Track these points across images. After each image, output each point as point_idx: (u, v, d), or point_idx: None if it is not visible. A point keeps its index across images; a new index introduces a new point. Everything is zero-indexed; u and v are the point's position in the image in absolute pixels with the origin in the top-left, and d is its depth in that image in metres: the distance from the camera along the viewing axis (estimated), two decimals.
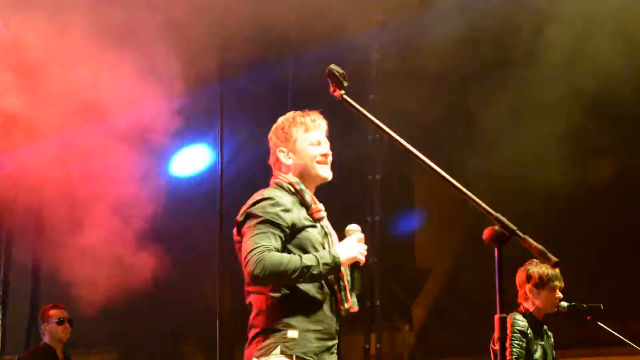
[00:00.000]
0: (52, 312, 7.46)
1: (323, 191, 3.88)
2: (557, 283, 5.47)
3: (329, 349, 3.65)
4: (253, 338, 3.59)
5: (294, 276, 3.37)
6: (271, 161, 3.89)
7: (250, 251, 3.37)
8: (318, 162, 3.73)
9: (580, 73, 8.11)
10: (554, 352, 5.79)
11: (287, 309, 3.55)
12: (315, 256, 3.43)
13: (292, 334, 3.54)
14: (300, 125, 3.79)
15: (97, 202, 8.07)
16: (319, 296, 3.61)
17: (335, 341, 3.72)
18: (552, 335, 5.81)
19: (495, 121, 8.38)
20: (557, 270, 5.28)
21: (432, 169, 2.75)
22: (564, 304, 5.55)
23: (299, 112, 3.86)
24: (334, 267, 3.50)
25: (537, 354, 5.44)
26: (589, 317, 5.69)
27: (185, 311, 9.58)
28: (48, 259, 9.71)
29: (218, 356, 9.53)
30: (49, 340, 7.39)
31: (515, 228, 2.43)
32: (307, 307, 3.60)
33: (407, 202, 9.94)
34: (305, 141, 3.76)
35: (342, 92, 3.13)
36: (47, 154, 7.93)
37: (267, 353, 3.52)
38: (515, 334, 5.42)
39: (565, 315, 5.64)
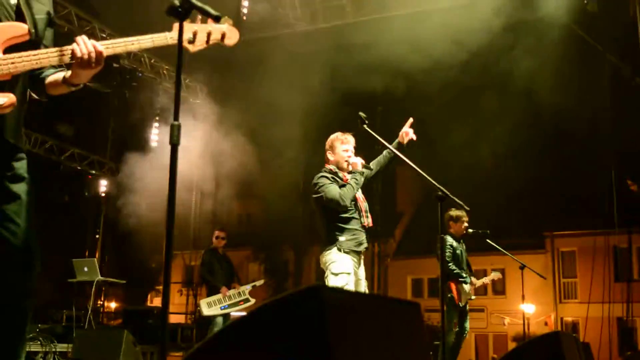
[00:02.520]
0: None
1: None
2: (464, 219, 8.81)
3: (358, 251, 5.63)
4: (324, 242, 5.64)
5: (352, 190, 5.51)
6: (325, 159, 5.99)
7: (322, 189, 5.55)
8: (346, 160, 5.81)
9: None
10: (466, 253, 9.00)
11: (338, 226, 5.57)
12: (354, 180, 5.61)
13: (341, 239, 5.56)
14: (338, 140, 5.93)
15: None
16: (353, 217, 5.63)
17: (365, 245, 5.73)
18: (464, 245, 9.05)
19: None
20: (464, 212, 8.61)
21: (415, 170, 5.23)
22: (470, 230, 8.92)
23: (339, 133, 5.92)
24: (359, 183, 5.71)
25: (459, 253, 8.76)
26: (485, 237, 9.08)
27: None
28: None
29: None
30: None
31: (448, 193, 4.99)
32: (348, 224, 5.60)
33: None
34: (340, 149, 5.89)
35: (365, 126, 5.39)
36: None
37: (330, 249, 5.55)
38: (448, 245, 8.61)
39: (470, 235, 8.98)
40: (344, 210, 5.59)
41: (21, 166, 2.91)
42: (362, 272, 5.72)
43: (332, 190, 5.50)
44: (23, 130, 2.99)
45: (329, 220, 5.63)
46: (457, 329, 8.65)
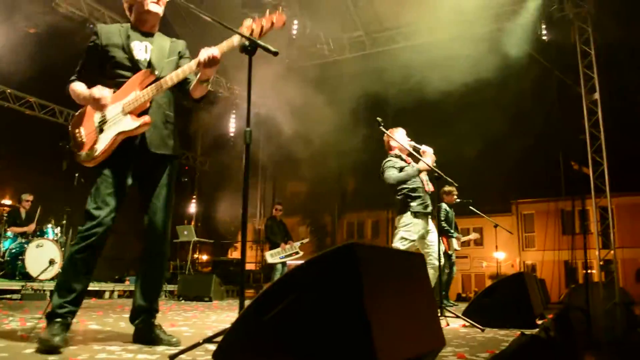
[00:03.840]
0: None
1: None
2: (454, 193, 8.78)
3: (427, 212, 5.39)
4: (400, 209, 5.43)
5: (405, 177, 5.32)
6: (387, 147, 5.73)
7: (385, 175, 5.41)
8: (405, 149, 5.60)
9: None
10: (454, 217, 8.98)
11: (409, 195, 5.38)
12: (410, 170, 5.36)
13: (413, 203, 5.35)
14: (397, 132, 5.68)
15: None
16: (419, 186, 5.42)
17: (430, 208, 5.45)
18: (454, 211, 9.00)
19: None
20: (454, 188, 8.58)
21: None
22: (458, 200, 8.90)
23: (396, 128, 5.66)
24: (417, 171, 5.33)
25: (450, 217, 8.75)
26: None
27: None
28: None
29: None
30: None
31: (442, 174, 5.17)
32: (416, 192, 5.39)
33: None
34: (400, 137, 5.63)
35: (381, 127, 5.21)
36: None
37: (405, 212, 5.34)
38: (442, 210, 8.60)
39: (458, 204, 8.95)
40: (410, 182, 5.40)
41: (167, 165, 3.16)
42: (432, 229, 5.44)
43: (391, 176, 5.36)
44: (171, 142, 3.17)
45: (400, 191, 5.42)
46: (448, 270, 8.67)
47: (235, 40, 2.85)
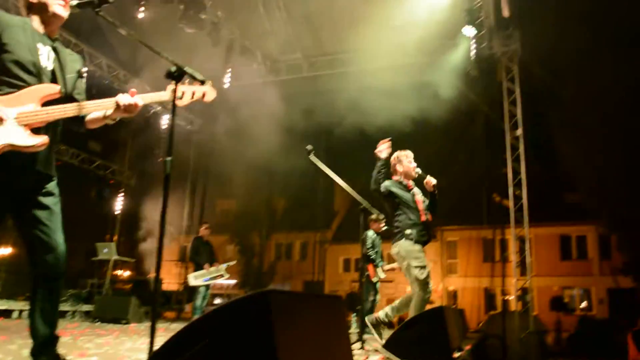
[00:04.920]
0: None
1: None
2: (382, 221, 8.86)
3: (424, 241, 5.36)
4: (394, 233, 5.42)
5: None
6: (392, 169, 5.63)
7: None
8: (410, 173, 5.59)
9: None
10: (381, 245, 9.03)
11: (403, 222, 5.37)
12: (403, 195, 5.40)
13: (408, 231, 5.33)
14: (405, 157, 5.67)
15: None
16: (415, 215, 5.37)
17: (426, 237, 5.39)
18: (380, 238, 9.07)
19: None
20: (382, 216, 8.61)
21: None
22: (385, 227, 8.97)
23: (404, 152, 5.67)
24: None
25: (376, 244, 8.79)
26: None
27: None
28: None
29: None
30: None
31: (368, 206, 5.35)
32: (412, 219, 5.36)
33: None
34: (406, 163, 5.64)
35: (311, 156, 5.14)
36: None
37: (399, 239, 5.31)
38: (369, 238, 8.69)
39: (385, 231, 9.02)
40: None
41: (51, 185, 2.91)
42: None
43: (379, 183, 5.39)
44: (54, 162, 2.96)
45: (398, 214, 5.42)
46: (372, 298, 8.71)
47: (163, 96, 2.82)
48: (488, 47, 11.73)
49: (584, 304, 26.61)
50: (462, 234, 25.84)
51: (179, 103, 2.83)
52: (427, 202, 5.54)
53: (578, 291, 26.94)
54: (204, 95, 2.96)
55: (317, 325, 1.86)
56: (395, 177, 5.61)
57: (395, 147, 5.74)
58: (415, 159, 5.78)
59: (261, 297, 1.57)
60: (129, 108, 2.80)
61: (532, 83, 11.80)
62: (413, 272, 5.17)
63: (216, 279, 9.58)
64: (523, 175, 11.25)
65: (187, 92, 2.88)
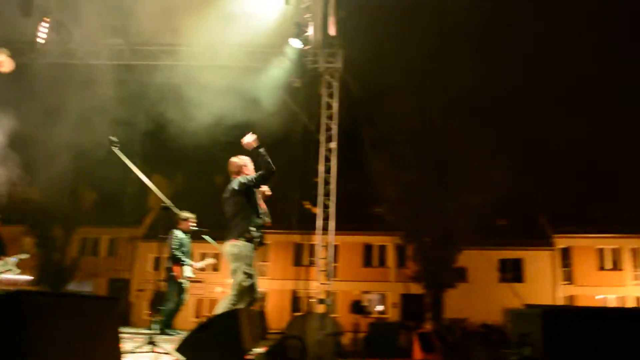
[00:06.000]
0: None
1: None
2: (191, 220, 8.67)
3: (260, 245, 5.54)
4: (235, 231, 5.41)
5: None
6: (236, 170, 5.75)
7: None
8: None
9: None
10: (190, 244, 8.79)
11: (247, 223, 5.41)
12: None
13: (252, 233, 5.39)
14: (250, 162, 5.80)
15: None
16: (258, 218, 5.51)
17: (263, 242, 5.60)
18: (190, 237, 8.83)
19: None
20: (193, 215, 8.51)
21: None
22: (194, 227, 8.78)
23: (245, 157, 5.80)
24: None
25: (185, 243, 8.56)
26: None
27: None
28: None
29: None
30: None
31: (170, 205, 5.20)
32: (255, 222, 5.46)
33: None
34: (251, 167, 5.78)
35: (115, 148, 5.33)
36: None
37: (240, 239, 5.36)
38: (176, 237, 8.43)
39: (195, 231, 8.84)
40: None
41: None
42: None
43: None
44: None
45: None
46: (177, 298, 8.51)
47: None
48: (312, 61, 12.18)
49: (380, 307, 28.90)
50: (274, 237, 26.42)
51: None
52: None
53: (376, 296, 29.21)
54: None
55: (78, 327, 1.75)
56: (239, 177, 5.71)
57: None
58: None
59: (12, 299, 1.44)
60: None
61: (351, 101, 12.47)
62: (240, 276, 5.23)
63: (3, 274, 8.59)
64: (333, 186, 11.89)
65: None
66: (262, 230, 5.54)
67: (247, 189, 5.49)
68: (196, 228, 8.92)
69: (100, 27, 12.06)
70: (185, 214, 8.63)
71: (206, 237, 8.69)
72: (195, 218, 8.85)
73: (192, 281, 9.06)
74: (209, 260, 9.71)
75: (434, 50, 20.06)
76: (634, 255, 28.06)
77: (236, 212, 5.48)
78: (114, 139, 4.70)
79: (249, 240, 5.35)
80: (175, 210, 5.23)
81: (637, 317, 5.21)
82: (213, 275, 29.56)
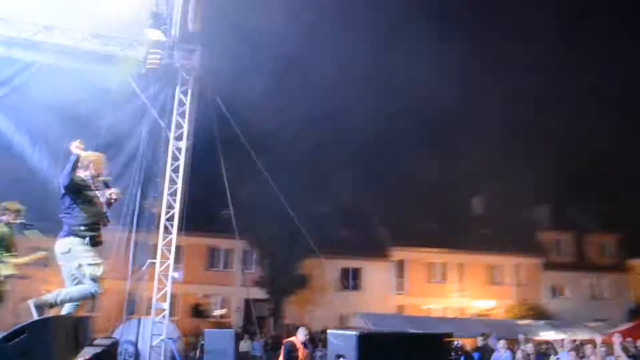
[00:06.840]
0: None
1: None
2: (14, 211, 7.76)
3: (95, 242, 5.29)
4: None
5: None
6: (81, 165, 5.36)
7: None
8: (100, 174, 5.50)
9: None
10: (13, 238, 7.75)
11: (79, 220, 5.15)
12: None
13: (82, 228, 5.15)
14: (98, 159, 5.47)
15: None
16: (94, 215, 5.27)
17: (99, 239, 5.39)
18: (14, 230, 7.88)
19: None
20: (20, 207, 7.62)
21: None
22: (20, 221, 7.87)
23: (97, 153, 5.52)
24: None
25: (6, 238, 7.65)
26: None
27: None
28: None
29: None
30: None
31: None
32: (90, 219, 5.21)
33: None
34: (98, 165, 5.45)
35: None
36: None
37: (69, 236, 5.12)
38: None
39: (21, 225, 7.91)
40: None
41: None
42: None
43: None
44: None
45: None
46: None
47: None
48: (169, 55, 11.64)
49: (221, 311, 28.53)
50: (114, 234, 24.98)
51: None
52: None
53: (219, 299, 28.79)
54: None
55: None
56: (82, 173, 5.38)
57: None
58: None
59: None
60: None
61: (207, 102, 12.07)
62: (86, 269, 5.14)
63: None
64: (180, 186, 11.45)
65: None
66: (99, 228, 5.36)
67: (79, 187, 5.26)
68: (19, 221, 7.96)
69: None
70: (10, 204, 7.67)
71: (30, 232, 7.81)
72: (19, 209, 7.85)
73: (17, 277, 8.06)
74: (39, 254, 8.67)
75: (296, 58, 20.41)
76: (459, 269, 31.00)
77: (68, 206, 5.24)
78: None
79: (81, 236, 5.16)
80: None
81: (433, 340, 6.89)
82: (43, 271, 27.15)
